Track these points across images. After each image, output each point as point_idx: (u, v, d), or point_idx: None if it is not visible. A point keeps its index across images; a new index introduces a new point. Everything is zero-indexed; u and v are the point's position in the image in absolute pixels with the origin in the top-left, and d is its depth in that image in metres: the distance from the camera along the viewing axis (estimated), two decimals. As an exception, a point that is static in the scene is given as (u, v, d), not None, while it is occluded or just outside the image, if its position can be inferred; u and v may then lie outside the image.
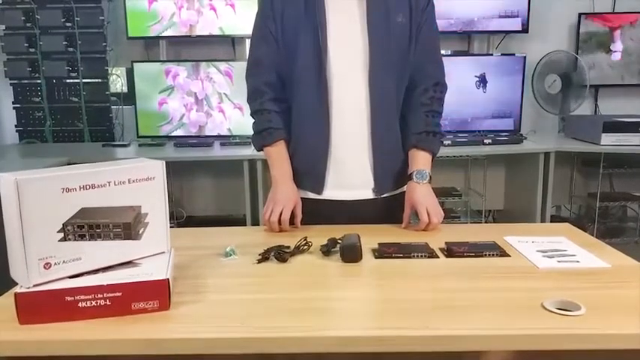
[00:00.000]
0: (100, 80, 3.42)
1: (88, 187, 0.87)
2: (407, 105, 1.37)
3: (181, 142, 3.21)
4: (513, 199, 3.35)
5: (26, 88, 3.41)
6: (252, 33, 1.40)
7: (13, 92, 3.41)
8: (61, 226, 0.85)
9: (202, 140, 3.23)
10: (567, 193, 3.41)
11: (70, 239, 0.86)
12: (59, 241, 0.85)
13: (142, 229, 0.95)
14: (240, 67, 3.26)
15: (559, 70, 3.29)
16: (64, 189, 0.84)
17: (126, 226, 0.92)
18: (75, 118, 3.45)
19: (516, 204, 3.29)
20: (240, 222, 3.32)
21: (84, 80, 3.42)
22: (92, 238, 0.88)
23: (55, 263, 0.85)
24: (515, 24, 3.31)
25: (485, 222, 3.43)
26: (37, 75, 3.39)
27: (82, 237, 0.87)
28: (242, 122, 3.28)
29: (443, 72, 1.39)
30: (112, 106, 3.46)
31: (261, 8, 1.38)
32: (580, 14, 3.38)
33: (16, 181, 0.80)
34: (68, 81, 3.42)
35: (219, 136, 3.30)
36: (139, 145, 3.20)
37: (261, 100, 1.38)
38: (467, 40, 3.49)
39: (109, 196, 0.90)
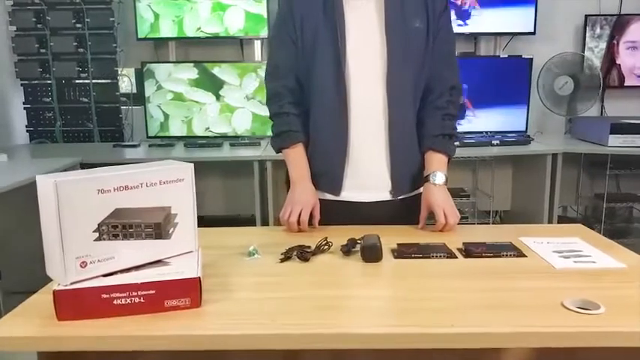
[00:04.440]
0: (109, 81, 3.45)
1: (122, 188, 0.90)
2: (423, 108, 1.40)
3: (191, 142, 3.24)
4: (520, 199, 3.37)
5: (37, 88, 3.44)
6: (272, 37, 1.43)
7: (24, 93, 3.44)
8: (97, 226, 0.88)
9: (211, 141, 3.26)
10: (574, 194, 3.44)
11: (104, 239, 0.89)
12: (94, 240, 0.88)
13: (172, 229, 0.97)
14: (247, 68, 3.29)
15: (569, 71, 3.31)
16: (99, 190, 0.87)
17: (157, 226, 0.95)
18: (85, 118, 3.48)
19: (523, 205, 3.32)
20: (248, 222, 3.35)
21: (94, 81, 3.45)
22: (125, 237, 0.91)
23: (91, 262, 0.88)
24: (523, 25, 3.33)
25: (493, 223, 3.45)
26: (47, 75, 3.42)
27: (115, 237, 0.90)
28: (252, 123, 3.31)
29: (459, 76, 1.42)
30: (122, 107, 3.49)
31: (280, 13, 1.41)
32: (586, 16, 3.41)
33: (55, 183, 0.83)
34: (78, 81, 3.45)
35: (227, 137, 3.33)
36: (149, 146, 3.23)
37: (280, 103, 1.41)
38: (473, 41, 3.51)
39: (141, 197, 0.93)
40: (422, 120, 1.39)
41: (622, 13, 3.45)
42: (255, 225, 3.00)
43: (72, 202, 0.84)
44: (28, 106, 3.46)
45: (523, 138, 3.15)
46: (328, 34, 1.32)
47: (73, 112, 3.48)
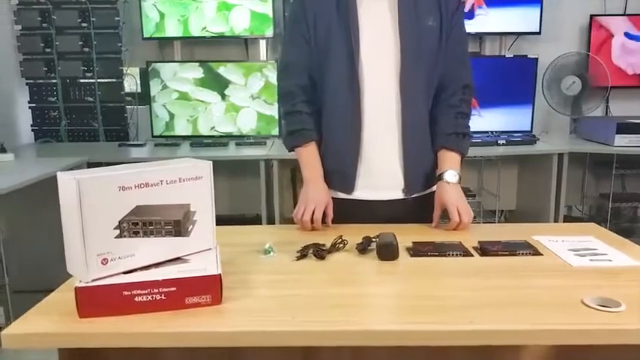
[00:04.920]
0: (115, 80, 3.46)
1: (142, 185, 0.90)
2: (436, 107, 1.40)
3: (196, 141, 3.24)
4: (526, 199, 3.38)
5: (42, 87, 3.44)
6: (284, 36, 1.43)
7: (29, 92, 3.44)
8: (117, 223, 0.88)
9: (217, 140, 3.27)
10: (579, 194, 3.44)
11: (125, 236, 0.89)
12: (115, 237, 0.88)
13: (191, 227, 0.98)
14: (253, 68, 3.29)
15: (575, 71, 3.32)
16: (120, 187, 0.87)
17: (176, 223, 0.95)
18: (90, 117, 3.49)
19: (529, 204, 3.32)
20: (253, 221, 3.35)
21: (99, 80, 3.45)
22: (145, 234, 0.91)
23: (112, 259, 0.88)
24: (528, 25, 3.34)
25: (498, 222, 3.45)
26: (52, 75, 3.42)
27: (136, 234, 0.90)
28: (257, 123, 3.31)
29: (471, 75, 1.42)
30: (127, 106, 3.49)
31: (293, 11, 1.41)
32: (591, 16, 3.41)
33: (77, 181, 0.83)
34: (83, 81, 3.45)
35: (233, 136, 3.33)
36: (155, 145, 3.24)
37: (293, 102, 1.41)
38: (478, 41, 3.51)
39: (161, 194, 0.93)
40: (435, 118, 1.40)
41: (627, 13, 3.45)
42: (260, 224, 3.01)
43: (93, 199, 0.84)
44: (34, 105, 3.46)
45: (529, 138, 3.15)
46: (341, 33, 1.32)
47: (78, 111, 3.48)
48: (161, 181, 0.92)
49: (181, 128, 3.34)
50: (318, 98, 1.42)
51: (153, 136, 3.35)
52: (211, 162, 1.00)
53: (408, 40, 1.31)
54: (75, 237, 0.85)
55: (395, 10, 1.32)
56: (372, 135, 1.35)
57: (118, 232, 0.88)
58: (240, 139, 3.28)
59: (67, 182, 0.84)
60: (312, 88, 1.41)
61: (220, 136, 3.34)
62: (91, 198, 0.84)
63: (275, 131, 3.33)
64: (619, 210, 3.36)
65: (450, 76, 1.39)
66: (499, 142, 3.03)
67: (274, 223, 2.99)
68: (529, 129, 3.30)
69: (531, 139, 3.11)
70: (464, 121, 1.39)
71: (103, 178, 0.86)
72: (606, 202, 3.20)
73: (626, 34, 3.38)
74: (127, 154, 3.02)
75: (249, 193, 3.28)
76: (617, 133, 2.87)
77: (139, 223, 0.90)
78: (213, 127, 3.35)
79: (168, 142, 3.28)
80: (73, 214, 0.84)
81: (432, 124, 1.40)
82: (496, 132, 3.27)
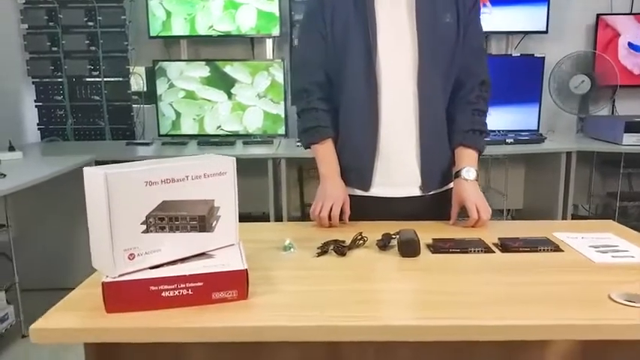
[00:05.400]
0: (121, 79, 3.45)
1: (168, 180, 0.90)
2: (453, 103, 1.40)
3: (204, 140, 3.24)
4: (533, 198, 3.38)
5: (48, 86, 3.44)
6: (300, 33, 1.43)
7: (35, 91, 3.44)
8: (144, 218, 0.88)
9: (224, 139, 3.26)
10: (585, 193, 3.44)
11: (151, 231, 0.89)
12: (142, 232, 0.88)
13: (215, 222, 0.97)
14: (259, 67, 3.29)
15: (582, 70, 3.31)
16: (147, 182, 0.87)
17: (201, 218, 0.95)
18: (96, 116, 3.48)
19: (536, 203, 3.32)
20: (260, 220, 3.35)
21: (105, 79, 3.45)
22: (171, 230, 0.91)
23: (138, 254, 0.88)
24: (535, 24, 3.34)
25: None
26: (59, 73, 3.42)
27: (162, 229, 0.90)
28: (263, 122, 3.31)
29: (488, 71, 1.42)
30: (133, 105, 3.48)
31: (309, 8, 1.41)
32: (598, 15, 3.41)
33: (105, 175, 0.83)
34: (90, 79, 3.45)
35: (239, 135, 3.33)
36: (162, 144, 3.23)
37: (308, 99, 1.41)
38: (484, 40, 3.51)
39: (187, 189, 0.93)
40: (452, 115, 1.39)
41: (633, 12, 3.45)
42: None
43: (121, 194, 0.84)
44: (40, 104, 3.46)
45: (536, 136, 3.15)
46: (359, 29, 1.32)
47: (85, 110, 3.48)
48: (187, 176, 0.92)
49: (188, 127, 3.34)
50: (333, 95, 1.41)
51: (159, 135, 3.34)
52: (235, 158, 1.00)
53: (426, 36, 1.31)
54: (102, 232, 0.85)
55: (412, 7, 1.32)
56: (389, 131, 1.35)
57: (144, 227, 0.88)
58: (247, 138, 3.28)
59: (95, 177, 0.84)
60: (328, 85, 1.41)
61: (226, 135, 3.33)
62: (118, 192, 0.84)
63: (281, 130, 3.33)
64: (626, 209, 3.36)
65: (467, 72, 1.39)
66: (507, 140, 3.02)
67: (282, 222, 2.98)
68: (536, 128, 3.30)
69: (539, 138, 3.10)
70: (481, 118, 1.39)
71: (130, 173, 0.86)
72: (612, 201, 3.20)
73: (630, 45, 3.38)
74: (135, 153, 3.01)
75: (256, 191, 3.27)
76: (625, 132, 2.87)
77: (165, 218, 0.90)
78: (219, 126, 3.34)
79: (175, 141, 3.28)
80: (100, 209, 0.84)
81: (449, 121, 1.40)
82: (503, 131, 3.27)
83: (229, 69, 3.30)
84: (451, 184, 1.40)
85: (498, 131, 3.27)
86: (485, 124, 1.40)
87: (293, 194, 3.45)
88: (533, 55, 3.33)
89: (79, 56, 3.42)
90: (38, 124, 3.48)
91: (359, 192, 1.41)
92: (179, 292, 0.86)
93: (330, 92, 1.42)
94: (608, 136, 3.04)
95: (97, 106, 3.47)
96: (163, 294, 0.86)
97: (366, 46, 1.32)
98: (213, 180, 0.96)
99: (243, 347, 0.93)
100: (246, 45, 3.50)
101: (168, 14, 3.33)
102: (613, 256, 1.09)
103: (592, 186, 3.44)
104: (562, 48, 3.40)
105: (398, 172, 1.38)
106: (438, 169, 1.40)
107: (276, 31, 3.35)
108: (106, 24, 3.38)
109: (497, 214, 3.44)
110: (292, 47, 3.43)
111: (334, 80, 1.40)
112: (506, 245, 1.14)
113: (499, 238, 1.18)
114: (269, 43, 3.48)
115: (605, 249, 1.13)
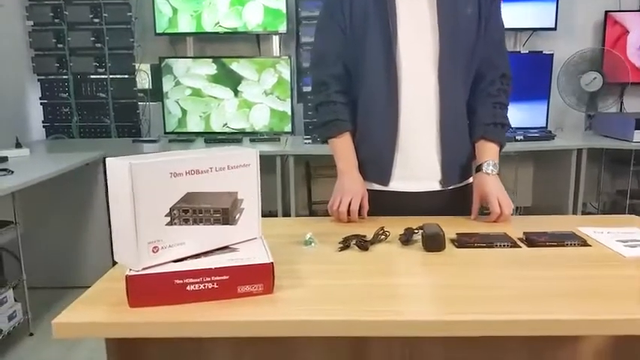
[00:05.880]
0: (127, 76, 3.43)
1: (193, 172, 0.88)
2: (474, 96, 1.38)
3: (211, 138, 3.22)
4: (542, 196, 3.35)
5: (53, 83, 3.42)
6: (318, 26, 1.41)
7: (41, 88, 3.42)
8: (169, 210, 0.85)
9: (231, 136, 3.24)
10: (594, 190, 3.42)
11: (175, 223, 0.86)
12: (166, 225, 0.86)
13: (238, 215, 0.95)
14: (266, 64, 3.27)
15: (591, 67, 3.29)
16: (172, 174, 0.85)
17: (225, 211, 0.92)
18: (102, 114, 3.46)
19: (545, 201, 3.30)
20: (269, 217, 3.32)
21: (111, 76, 3.43)
22: (195, 222, 0.89)
23: (162, 247, 0.85)
24: (543, 21, 3.31)
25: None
26: (64, 71, 3.40)
27: (186, 221, 0.88)
28: (270, 119, 3.29)
29: (509, 64, 1.39)
30: (139, 102, 3.46)
31: (327, 1, 1.38)
32: (606, 12, 3.39)
33: (130, 166, 0.80)
34: (95, 77, 3.43)
35: (246, 133, 3.31)
36: (169, 141, 3.21)
37: (327, 92, 1.39)
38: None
39: (210, 181, 0.90)
40: (473, 108, 1.37)
41: (642, 9, 3.43)
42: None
43: (146, 185, 0.82)
44: (45, 101, 3.44)
45: (545, 134, 3.13)
46: (379, 20, 1.30)
47: (90, 107, 3.46)
48: (210, 168, 0.90)
49: (194, 124, 3.32)
50: (352, 88, 1.39)
51: (165, 133, 3.32)
52: (258, 150, 0.98)
53: (447, 28, 1.29)
54: (126, 224, 0.82)
55: (433, -2, 1.30)
56: (409, 124, 1.33)
57: (168, 219, 0.86)
58: (254, 136, 3.26)
59: (119, 167, 0.82)
60: (346, 77, 1.39)
61: (233, 133, 3.31)
62: (143, 183, 0.82)
63: (288, 128, 3.31)
64: (634, 206, 3.33)
65: (488, 64, 1.36)
66: (517, 137, 3.00)
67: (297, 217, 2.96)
68: (544, 125, 3.28)
69: (548, 135, 3.08)
70: (502, 111, 1.37)
71: (155, 164, 0.83)
72: (621, 199, 3.18)
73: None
74: (141, 150, 2.99)
75: (263, 189, 3.24)
76: (636, 129, 2.85)
77: (189, 210, 0.88)
78: (225, 124, 3.32)
79: (181, 139, 3.26)
80: (124, 200, 0.82)
81: (469, 114, 1.37)
82: (512, 128, 3.24)
83: (236, 66, 3.28)
84: (470, 179, 1.38)
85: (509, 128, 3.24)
86: (507, 117, 1.38)
87: (300, 192, 3.43)
88: (541, 52, 3.31)
89: (84, 53, 3.40)
90: (43, 122, 3.45)
91: (377, 186, 1.39)
92: (204, 286, 0.84)
93: (349, 85, 1.39)
94: (618, 133, 3.01)
95: (102, 103, 3.45)
96: (188, 288, 0.84)
97: (386, 38, 1.29)
98: (237, 172, 0.94)
99: (266, 343, 0.91)
100: (252, 42, 3.48)
101: (175, 11, 3.30)
102: (642, 251, 1.07)
103: (601, 184, 3.41)
104: (570, 45, 3.38)
105: (417, 166, 1.36)
106: (458, 163, 1.38)
107: (282, 28, 3.32)
108: (112, 21, 3.36)
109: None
110: (299, 44, 3.41)
111: (353, 73, 1.37)
112: (532, 240, 1.12)
113: (524, 233, 1.16)
114: (275, 40, 3.45)
115: (634, 243, 1.11)
